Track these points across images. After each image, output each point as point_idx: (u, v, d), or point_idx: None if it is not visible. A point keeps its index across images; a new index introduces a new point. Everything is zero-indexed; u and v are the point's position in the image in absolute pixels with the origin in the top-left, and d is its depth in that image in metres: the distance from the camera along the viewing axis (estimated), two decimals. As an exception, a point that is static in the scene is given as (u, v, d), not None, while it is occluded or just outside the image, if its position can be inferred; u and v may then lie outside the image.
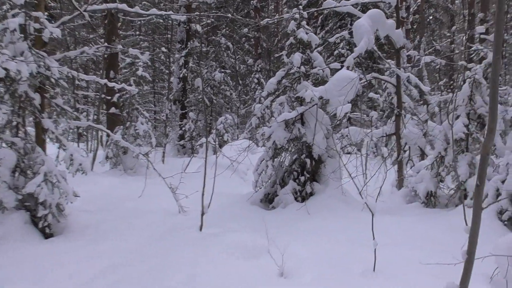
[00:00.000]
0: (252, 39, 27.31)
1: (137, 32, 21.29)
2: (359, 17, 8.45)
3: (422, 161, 7.96)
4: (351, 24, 17.27)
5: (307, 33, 7.42)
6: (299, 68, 7.18)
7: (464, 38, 17.37)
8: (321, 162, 7.34)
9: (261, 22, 9.07)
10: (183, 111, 16.52)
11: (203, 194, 6.41)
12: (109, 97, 12.77)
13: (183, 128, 16.05)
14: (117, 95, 11.79)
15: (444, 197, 7.53)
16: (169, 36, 20.21)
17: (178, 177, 9.10)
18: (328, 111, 8.08)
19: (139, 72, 10.98)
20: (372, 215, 4.36)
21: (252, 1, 26.16)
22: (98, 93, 13.54)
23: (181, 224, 6.47)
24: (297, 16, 7.42)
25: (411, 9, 14.61)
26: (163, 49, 18.56)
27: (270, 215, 6.89)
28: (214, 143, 11.57)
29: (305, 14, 7.52)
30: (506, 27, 17.25)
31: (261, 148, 13.16)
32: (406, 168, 9.39)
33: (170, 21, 18.84)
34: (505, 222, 5.37)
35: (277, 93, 7.49)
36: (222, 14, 17.80)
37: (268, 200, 7.65)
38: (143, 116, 11.41)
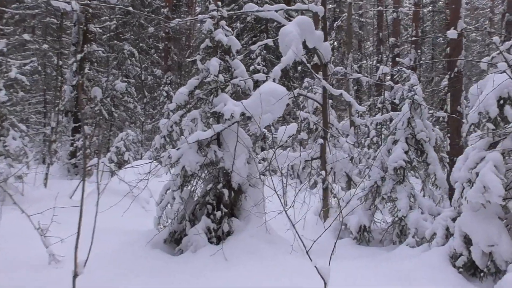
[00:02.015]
0: (161, 50, 25.50)
1: (30, 34, 18.32)
2: (283, 25, 7.44)
3: (353, 190, 7.06)
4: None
5: (227, 36, 6.12)
6: (217, 76, 5.82)
7: (374, 62, 17.65)
8: (242, 193, 6.00)
9: (173, 22, 7.59)
10: (76, 125, 14.15)
11: (77, 241, 4.67)
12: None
13: (75, 145, 13.68)
14: (-17, 101, 9.31)
15: (378, 231, 6.66)
16: (64, 38, 17.64)
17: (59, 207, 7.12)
18: (250, 131, 6.83)
19: (12, 74, 8.74)
20: (325, 284, 3.10)
21: (163, 10, 24.47)
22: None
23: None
24: (215, 13, 6.10)
25: (334, 24, 14.28)
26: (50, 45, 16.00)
27: (176, 264, 5.32)
28: (109, 164, 9.63)
29: (224, 12, 6.22)
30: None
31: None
32: (331, 196, 8.49)
33: (61, 21, 16.36)
34: (460, 269, 4.49)
35: (188, 106, 6.03)
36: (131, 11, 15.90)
37: (175, 240, 6.07)
38: (17, 130, 9.10)
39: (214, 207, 5.82)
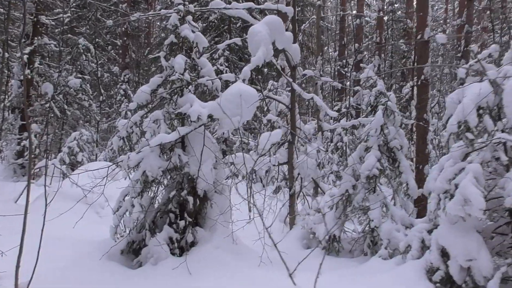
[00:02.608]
0: (118, 47, 24.50)
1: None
2: (251, 24, 7.12)
3: (322, 198, 6.83)
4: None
5: (193, 32, 5.71)
6: (182, 75, 5.39)
7: (337, 67, 17.73)
8: (207, 200, 5.60)
9: (134, 15, 7.06)
10: (24, 122, 13.11)
11: (19, 258, 4.14)
12: None
13: (22, 144, 12.66)
14: None
15: (347, 240, 6.46)
16: (13, 30, 16.41)
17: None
18: (216, 135, 6.45)
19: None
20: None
21: (121, 5, 23.57)
22: None
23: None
24: (181, 7, 5.66)
25: (302, 27, 14.10)
26: None
27: (134, 279, 4.84)
28: (61, 165, 8.89)
29: (191, 7, 5.81)
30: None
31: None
32: (297, 203, 8.24)
33: (8, 10, 15.19)
34: (437, 284, 4.34)
35: (150, 105, 5.55)
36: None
37: (133, 251, 5.57)
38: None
39: (177, 215, 5.38)
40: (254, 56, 6.39)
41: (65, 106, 13.32)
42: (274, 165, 7.89)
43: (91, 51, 14.01)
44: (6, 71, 13.42)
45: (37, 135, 12.79)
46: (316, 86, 8.13)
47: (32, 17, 13.28)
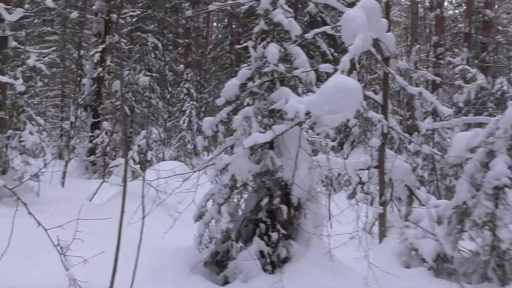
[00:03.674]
0: (180, 46, 24.61)
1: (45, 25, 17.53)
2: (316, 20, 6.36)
3: (424, 209, 5.93)
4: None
5: (287, 17, 5.06)
6: (276, 66, 4.76)
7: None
8: (301, 209, 4.93)
9: (215, 4, 6.55)
10: (96, 120, 13.23)
11: (115, 268, 3.70)
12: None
13: (94, 141, 12.76)
14: (-4, 91, 8.42)
15: (457, 260, 5.52)
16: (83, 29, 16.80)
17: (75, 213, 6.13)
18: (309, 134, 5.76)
19: (31, 62, 7.81)
20: None
21: (184, 4, 23.60)
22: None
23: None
24: (275, -11, 5.03)
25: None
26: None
27: (225, 299, 4.28)
28: (134, 165, 8.64)
29: (283, -11, 5.16)
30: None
31: (203, 177, 10.47)
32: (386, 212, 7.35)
33: (83, 11, 15.51)
34: None
35: (238, 101, 4.97)
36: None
37: (217, 263, 5.02)
38: (34, 124, 8.17)
39: (269, 226, 4.75)
40: (351, 45, 5.65)
41: (134, 104, 13.28)
42: (361, 169, 7.08)
43: (159, 49, 13.90)
44: (79, 70, 13.64)
45: (107, 133, 12.83)
46: (411, 80, 7.23)
47: (104, 16, 13.36)
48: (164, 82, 15.24)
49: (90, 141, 12.97)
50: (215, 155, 5.11)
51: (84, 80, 13.99)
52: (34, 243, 5.24)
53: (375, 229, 7.33)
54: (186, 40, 22.85)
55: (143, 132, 11.33)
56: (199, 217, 5.27)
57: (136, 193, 8.78)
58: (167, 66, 16.99)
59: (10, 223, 6.43)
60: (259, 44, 5.13)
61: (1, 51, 10.05)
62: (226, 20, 25.15)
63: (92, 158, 13.03)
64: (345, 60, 5.21)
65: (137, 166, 8.74)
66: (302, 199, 4.91)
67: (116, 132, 12.99)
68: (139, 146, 11.37)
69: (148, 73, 13.61)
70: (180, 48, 24.87)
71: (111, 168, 8.60)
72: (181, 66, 17.44)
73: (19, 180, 7.81)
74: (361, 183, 8.06)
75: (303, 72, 4.96)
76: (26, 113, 8.18)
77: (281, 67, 4.79)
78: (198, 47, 28.11)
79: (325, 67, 5.14)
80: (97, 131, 13.05)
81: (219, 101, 4.84)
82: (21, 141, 7.80)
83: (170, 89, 15.84)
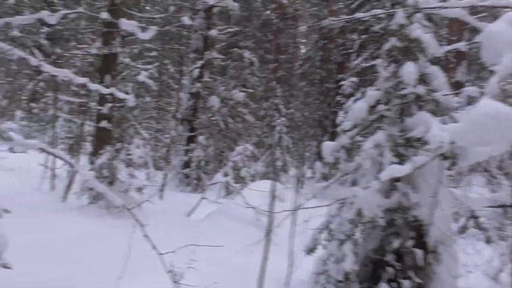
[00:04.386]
0: (269, 62, 24.67)
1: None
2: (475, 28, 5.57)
3: None
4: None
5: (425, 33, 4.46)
6: (414, 87, 4.17)
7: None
8: (435, 254, 4.23)
9: (329, 20, 6.13)
10: (191, 134, 13.48)
11: None
12: (100, 107, 9.79)
13: (190, 154, 12.98)
14: (109, 105, 8.78)
15: None
16: (181, 45, 17.44)
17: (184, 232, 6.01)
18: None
19: (141, 78, 8.04)
20: None
21: (274, 20, 23.71)
22: (84, 101, 10.57)
23: None
24: (411, 1, 4.47)
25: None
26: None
27: None
28: (233, 184, 8.46)
29: (422, 2, 4.58)
30: None
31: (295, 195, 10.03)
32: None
33: (184, 29, 16.08)
34: None
35: (370, 125, 4.44)
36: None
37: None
38: (140, 137, 8.35)
39: (398, 272, 4.13)
40: (494, 65, 4.87)
41: (230, 120, 13.33)
42: (497, 206, 6.11)
43: (254, 65, 13.88)
44: (178, 85, 14.05)
45: (202, 147, 12.99)
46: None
47: (203, 32, 13.66)
48: (258, 98, 15.20)
49: (186, 154, 13.22)
50: (333, 183, 4.63)
51: (181, 95, 14.36)
52: (142, 260, 5.14)
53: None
54: (279, 56, 22.85)
55: (239, 148, 11.22)
56: (311, 250, 4.81)
57: (233, 212, 8.56)
58: (262, 82, 16.97)
59: (119, 235, 6.44)
60: (390, 62, 4.58)
61: (112, 67, 10.62)
62: (317, 36, 24.84)
63: (186, 171, 13.25)
64: (493, 83, 4.46)
65: (237, 185, 8.52)
66: (438, 242, 4.23)
67: (210, 146, 13.10)
68: (233, 162, 11.27)
69: (244, 89, 13.62)
70: (268, 64, 24.98)
71: (209, 185, 8.47)
72: (274, 82, 17.28)
73: (125, 192, 7.99)
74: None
75: (444, 95, 4.31)
76: (133, 127, 8.39)
77: (420, 89, 4.19)
78: (285, 62, 28.06)
79: (469, 91, 4.43)
80: (192, 145, 13.26)
81: (346, 125, 4.36)
82: (129, 154, 7.99)
83: (265, 105, 15.72)
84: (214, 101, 13.05)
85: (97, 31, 15.78)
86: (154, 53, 18.87)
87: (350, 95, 17.00)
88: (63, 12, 3.54)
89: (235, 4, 13.54)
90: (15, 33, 12.05)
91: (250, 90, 13.96)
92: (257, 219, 7.78)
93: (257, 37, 22.07)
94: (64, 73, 4.90)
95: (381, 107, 4.39)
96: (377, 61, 4.65)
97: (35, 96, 15.71)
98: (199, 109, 13.68)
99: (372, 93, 4.47)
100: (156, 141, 17.22)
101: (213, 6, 13.75)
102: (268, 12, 24.26)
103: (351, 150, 4.54)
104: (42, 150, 4.01)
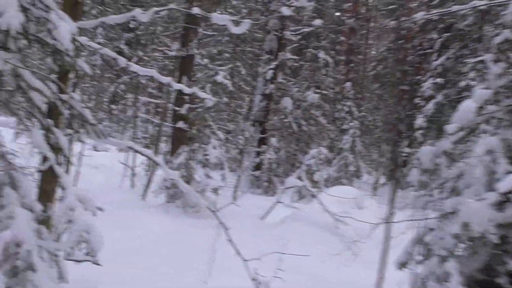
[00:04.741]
0: (339, 64, 23.99)
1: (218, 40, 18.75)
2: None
3: None
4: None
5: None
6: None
7: None
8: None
9: (420, 15, 5.63)
10: (263, 136, 13.39)
11: None
12: (178, 108, 9.99)
13: (261, 156, 12.89)
14: (187, 106, 8.90)
15: None
16: (253, 46, 17.47)
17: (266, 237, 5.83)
18: None
19: (219, 78, 8.04)
20: None
21: (347, 20, 23.03)
22: (163, 101, 10.86)
23: None
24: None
25: None
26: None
27: None
28: (310, 188, 8.16)
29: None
30: None
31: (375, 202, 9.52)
32: None
33: (256, 31, 16.07)
34: None
35: (476, 128, 3.94)
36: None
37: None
38: (216, 138, 8.35)
39: (512, 295, 3.60)
40: None
41: (302, 122, 13.04)
42: None
43: (329, 65, 13.47)
44: (251, 87, 14.03)
45: (274, 149, 12.82)
46: None
47: (277, 33, 13.52)
48: (331, 100, 14.76)
49: (257, 156, 13.14)
50: (432, 192, 4.17)
51: (255, 96, 14.33)
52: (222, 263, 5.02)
53: None
54: (351, 57, 22.16)
55: (313, 152, 10.88)
56: (403, 264, 4.37)
57: (308, 218, 8.22)
58: (336, 83, 16.49)
59: (196, 234, 6.40)
60: (502, 56, 4.03)
61: (189, 68, 10.82)
62: (392, 35, 23.77)
63: (257, 173, 13.16)
64: None
65: (314, 190, 8.21)
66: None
67: (282, 149, 12.90)
68: (307, 165, 10.96)
69: (317, 90, 13.27)
70: (339, 65, 24.34)
71: (285, 189, 8.24)
72: (348, 83, 16.70)
73: (202, 192, 8.02)
74: None
75: None
76: (210, 127, 8.41)
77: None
78: (356, 64, 27.17)
79: None
80: (263, 147, 13.15)
81: (451, 128, 3.89)
82: (205, 155, 8.00)
83: (339, 106, 15.23)
84: (287, 102, 12.84)
85: (173, 34, 16.29)
86: (226, 55, 19.12)
87: (431, 97, 15.96)
88: (156, 9, 3.50)
89: (310, 3, 13.26)
90: (99, 40, 12.77)
91: (325, 92, 13.54)
92: (335, 226, 7.40)
93: (329, 37, 21.56)
94: (150, 73, 4.92)
95: (491, 107, 3.87)
96: (486, 57, 4.12)
97: (115, 98, 16.54)
98: (272, 111, 13.55)
99: (481, 92, 3.96)
100: (227, 142, 17.38)
101: (288, 6, 13.56)
102: (338, 13, 23.65)
103: (453, 156, 4.06)
104: (131, 148, 4.02)
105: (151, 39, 15.98)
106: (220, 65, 17.48)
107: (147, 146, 14.45)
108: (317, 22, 13.07)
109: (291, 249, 6.45)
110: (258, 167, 13.32)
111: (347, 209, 8.10)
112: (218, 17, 3.42)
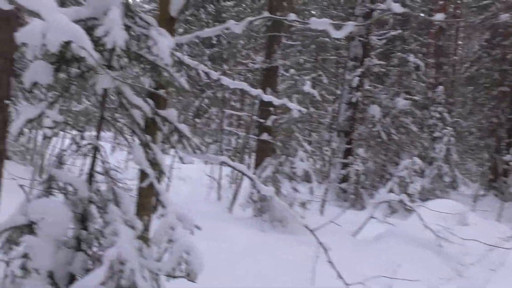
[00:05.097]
0: (427, 65, 22.48)
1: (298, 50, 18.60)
2: None
3: None
4: None
5: None
6: None
7: None
8: None
9: None
10: (349, 146, 12.84)
11: None
12: (262, 120, 9.93)
13: (348, 168, 12.34)
14: (273, 117, 8.77)
15: None
16: (334, 54, 17.06)
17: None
18: None
19: (306, 88, 7.80)
20: None
21: (436, 20, 21.56)
22: (247, 114, 10.88)
23: None
24: None
25: None
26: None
27: None
28: (408, 202, 7.53)
29: None
30: None
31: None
32: None
33: (338, 39, 15.62)
34: None
35: None
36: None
37: None
38: (303, 150, 8.10)
39: None
40: None
41: (392, 131, 12.30)
42: None
43: (420, 69, 12.57)
44: (334, 96, 13.60)
45: (362, 161, 12.22)
46: None
47: (362, 39, 12.98)
48: (421, 106, 13.79)
49: (343, 168, 12.62)
50: None
51: (338, 105, 13.87)
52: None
53: None
54: (440, 60, 20.69)
55: (405, 162, 10.16)
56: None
57: (408, 235, 7.57)
58: (427, 88, 15.43)
59: (282, 250, 6.16)
60: None
61: (273, 80, 10.75)
62: (487, 33, 21.81)
63: (344, 185, 12.64)
64: None
65: (413, 204, 7.58)
66: None
67: (370, 160, 12.26)
68: (399, 177, 10.26)
69: (408, 96, 12.44)
70: (427, 68, 22.85)
71: (378, 203, 7.70)
72: (440, 87, 15.50)
73: (289, 206, 7.78)
74: None
75: None
76: (296, 139, 8.19)
77: None
78: (446, 66, 25.36)
79: None
80: (350, 158, 12.61)
81: None
82: (292, 168, 7.78)
83: (431, 113, 14.20)
84: (375, 110, 12.18)
85: (255, 47, 16.44)
86: (307, 65, 18.90)
87: (539, 99, 14.26)
88: (250, 19, 3.37)
89: (397, 4, 12.50)
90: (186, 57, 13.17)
91: (416, 98, 12.65)
92: (438, 244, 6.72)
93: (417, 40, 20.38)
94: (240, 85, 4.86)
95: None
96: None
97: (199, 112, 17.08)
98: (358, 120, 12.97)
99: None
100: (313, 154, 16.99)
101: (372, 10, 12.99)
102: (422, 14, 22.28)
103: None
104: (225, 163, 3.92)
105: (233, 54, 16.32)
106: (302, 75, 17.33)
107: (230, 159, 14.65)
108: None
109: (391, 270, 5.95)
110: (344, 179, 12.79)
111: (450, 225, 7.34)
112: (317, 22, 3.18)
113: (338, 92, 15.06)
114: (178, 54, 3.45)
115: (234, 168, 3.91)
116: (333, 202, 12.80)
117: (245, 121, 20.44)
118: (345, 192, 12.78)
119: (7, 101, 3.86)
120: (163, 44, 2.88)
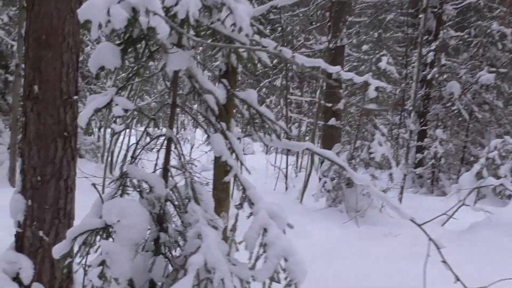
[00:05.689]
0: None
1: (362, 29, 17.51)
2: None
3: None
4: None
5: None
6: None
7: None
8: None
9: None
10: (424, 128, 11.80)
11: None
12: (330, 104, 9.30)
13: (424, 151, 11.34)
14: (343, 100, 8.12)
15: None
16: (398, 31, 15.83)
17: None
18: None
19: (383, 64, 7.07)
20: None
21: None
22: (313, 99, 10.28)
23: None
24: None
25: None
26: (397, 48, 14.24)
27: None
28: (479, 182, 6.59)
29: None
30: None
31: None
32: None
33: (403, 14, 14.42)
34: None
35: None
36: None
37: None
38: (380, 133, 7.39)
39: None
40: None
41: (475, 108, 11.10)
42: None
43: (507, 37, 11.17)
44: (404, 75, 12.55)
45: (440, 142, 11.17)
46: None
47: (436, 9, 11.80)
48: (509, 79, 12.33)
49: (419, 151, 11.63)
50: None
51: (411, 84, 12.80)
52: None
53: None
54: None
55: (494, 142, 9.08)
56: None
57: (507, 224, 6.61)
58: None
59: (367, 245, 5.55)
60: None
61: (340, 60, 10.05)
62: None
63: (419, 170, 11.66)
64: None
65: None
66: None
67: (450, 141, 11.16)
68: (487, 159, 9.19)
69: (492, 69, 11.13)
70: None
71: (472, 190, 6.83)
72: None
73: (367, 195, 7.16)
74: None
75: None
76: (372, 121, 7.49)
77: None
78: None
79: None
80: (426, 140, 11.59)
81: None
82: (370, 153, 7.11)
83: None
84: (454, 87, 11.03)
85: (318, 28, 15.66)
86: (370, 44, 17.79)
87: None
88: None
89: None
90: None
91: (502, 70, 11.28)
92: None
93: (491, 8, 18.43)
94: (317, 62, 4.34)
95: None
96: None
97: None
98: (433, 98, 11.88)
99: None
100: (390, 137, 15.96)
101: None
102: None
103: None
104: (310, 150, 3.43)
105: (294, 35, 15.64)
106: (367, 54, 16.28)
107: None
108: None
109: (485, 263, 5.17)
110: (419, 163, 11.80)
111: None
112: None
113: (404, 71, 13.96)
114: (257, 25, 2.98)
115: (320, 155, 3.40)
116: (408, 188, 11.89)
117: (304, 108, 19.71)
118: (421, 177, 11.80)
119: (75, 97, 3.62)
120: (243, 11, 2.42)
